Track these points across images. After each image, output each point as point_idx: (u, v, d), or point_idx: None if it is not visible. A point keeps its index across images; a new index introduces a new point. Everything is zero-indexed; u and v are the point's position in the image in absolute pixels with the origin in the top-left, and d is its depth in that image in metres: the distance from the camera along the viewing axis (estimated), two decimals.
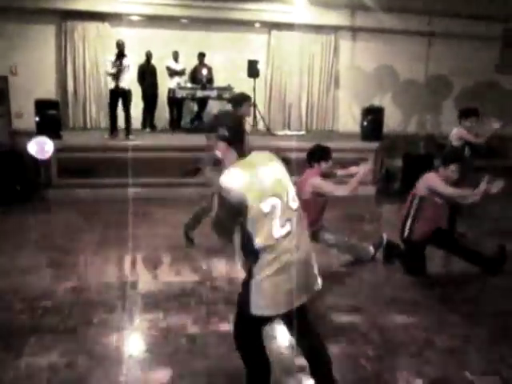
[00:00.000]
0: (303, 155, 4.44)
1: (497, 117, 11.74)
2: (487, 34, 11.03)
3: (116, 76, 7.74)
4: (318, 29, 10.57)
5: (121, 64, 7.73)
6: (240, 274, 3.84)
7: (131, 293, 3.90)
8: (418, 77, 11.38)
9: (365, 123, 8.86)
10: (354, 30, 10.86)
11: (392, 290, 4.08)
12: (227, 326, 3.30)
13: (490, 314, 3.68)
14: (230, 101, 5.38)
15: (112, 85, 7.86)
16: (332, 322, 3.45)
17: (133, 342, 3.18)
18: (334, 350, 2.91)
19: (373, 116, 8.90)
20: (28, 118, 8.23)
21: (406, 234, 4.42)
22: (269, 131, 9.73)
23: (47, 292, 3.84)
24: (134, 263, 4.75)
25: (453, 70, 11.38)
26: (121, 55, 7.76)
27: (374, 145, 8.34)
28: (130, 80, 8.10)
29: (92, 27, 9.74)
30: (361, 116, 9.09)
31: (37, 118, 7.39)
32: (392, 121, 9.76)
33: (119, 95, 7.91)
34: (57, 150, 6.90)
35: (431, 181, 4.32)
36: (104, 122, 9.86)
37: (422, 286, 4.20)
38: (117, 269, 4.47)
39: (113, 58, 7.76)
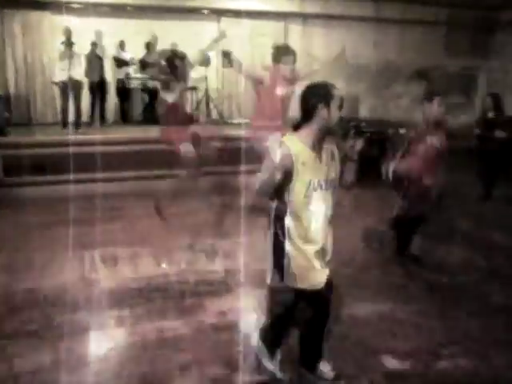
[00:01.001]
0: None
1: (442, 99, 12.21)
2: (433, 18, 11.41)
3: (69, 67, 7.40)
4: (268, 15, 10.53)
5: (72, 54, 7.40)
6: (205, 267, 3.79)
7: (94, 291, 3.77)
8: (368, 62, 11.61)
9: None
10: (304, 17, 10.91)
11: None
12: (195, 319, 3.28)
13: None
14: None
15: (63, 76, 7.46)
16: None
17: (98, 341, 3.08)
18: None
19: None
20: None
21: None
22: (222, 120, 9.65)
23: (4, 296, 3.65)
24: (94, 260, 4.58)
25: (400, 55, 11.69)
26: (69, 43, 7.39)
27: None
28: (82, 71, 7.77)
29: (32, 16, 9.22)
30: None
31: None
32: (345, 105, 9.88)
33: (71, 86, 7.57)
34: (1, 148, 6.57)
35: None
36: (51, 117, 9.43)
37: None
38: (77, 267, 4.29)
39: (62, 47, 7.39)
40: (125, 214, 5.90)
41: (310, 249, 2.30)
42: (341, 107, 2.27)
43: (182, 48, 9.84)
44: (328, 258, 2.41)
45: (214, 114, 9.91)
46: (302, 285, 2.33)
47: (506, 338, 3.11)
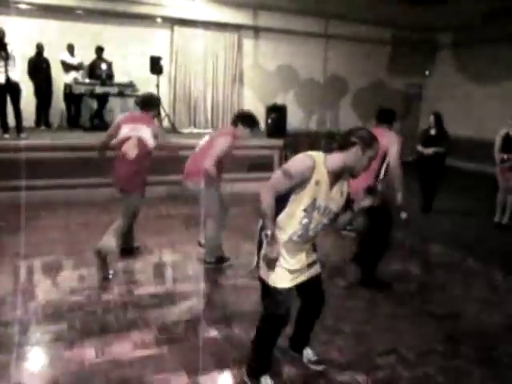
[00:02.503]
0: None
1: None
2: (378, 37, 11.92)
3: (5, 69, 7.04)
4: (222, 27, 10.59)
5: (6, 55, 7.04)
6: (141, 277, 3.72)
7: (30, 304, 3.60)
8: (318, 76, 11.95)
9: (269, 121, 9.09)
10: (257, 30, 11.06)
11: None
12: (138, 333, 3.20)
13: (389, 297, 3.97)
14: None
15: (0, 78, 7.10)
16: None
17: (34, 357, 2.94)
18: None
19: (276, 114, 9.16)
20: None
21: None
22: (174, 129, 9.56)
23: None
24: (30, 272, 4.38)
25: (348, 70, 12.11)
26: (1, 44, 7.03)
27: (279, 142, 8.59)
28: (19, 72, 7.42)
29: None
30: (265, 114, 9.30)
31: None
32: (295, 118, 10.11)
33: (8, 89, 7.23)
34: None
35: None
36: None
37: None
38: (10, 278, 4.08)
39: None
40: (63, 224, 5.70)
41: (297, 252, 2.53)
42: (371, 159, 2.41)
43: (134, 55, 9.74)
44: (313, 258, 2.65)
45: (166, 123, 9.79)
46: (283, 283, 2.51)
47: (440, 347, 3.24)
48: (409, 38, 12.20)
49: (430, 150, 6.85)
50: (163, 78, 9.75)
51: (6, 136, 7.36)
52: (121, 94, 9.28)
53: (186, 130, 9.88)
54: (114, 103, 9.79)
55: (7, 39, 7.18)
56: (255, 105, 10.64)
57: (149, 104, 4.62)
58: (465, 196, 8.48)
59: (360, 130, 2.46)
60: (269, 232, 2.37)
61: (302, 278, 2.58)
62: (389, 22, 11.44)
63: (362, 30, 11.47)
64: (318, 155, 2.40)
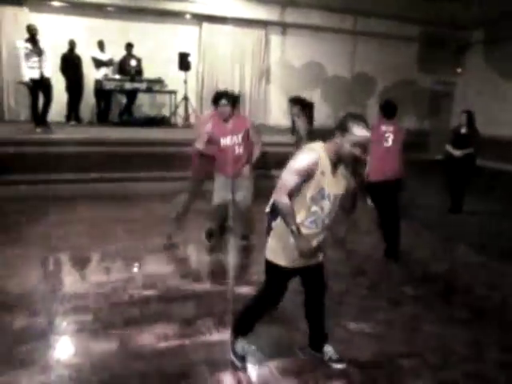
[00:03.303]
0: None
1: (415, 113, 12.58)
2: (407, 34, 11.70)
3: (39, 64, 7.26)
4: (249, 23, 10.60)
5: (40, 51, 7.25)
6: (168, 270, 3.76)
7: (56, 295, 3.70)
8: (345, 74, 11.82)
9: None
10: (284, 26, 11.02)
11: None
12: (161, 326, 3.25)
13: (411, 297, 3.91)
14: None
15: (32, 74, 7.32)
16: None
17: (59, 346, 3.02)
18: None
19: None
20: None
21: None
22: None
23: None
24: (57, 263, 4.51)
25: (376, 68, 11.93)
26: (34, 41, 7.25)
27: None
28: (51, 68, 7.63)
29: (9, 12, 9.07)
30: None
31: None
32: (321, 115, 10.02)
33: (41, 85, 7.44)
34: None
35: None
36: (24, 114, 9.27)
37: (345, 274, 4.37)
38: (39, 270, 4.21)
39: (29, 45, 7.24)
40: (90, 217, 5.82)
41: (309, 238, 2.57)
42: (355, 144, 2.42)
43: (163, 51, 9.85)
44: (319, 247, 2.68)
45: (193, 119, 9.88)
46: (285, 263, 2.61)
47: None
48: (438, 35, 11.93)
49: (459, 153, 6.69)
50: (191, 74, 9.84)
51: (38, 130, 7.59)
52: (149, 90, 9.42)
53: None
54: (142, 99, 9.95)
55: (39, 36, 7.40)
56: (281, 101, 10.62)
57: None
58: (495, 197, 8.25)
59: (344, 116, 2.51)
60: (293, 228, 2.45)
61: (302, 261, 2.63)
62: (418, 19, 11.21)
63: (391, 27, 11.27)
64: (320, 147, 2.51)
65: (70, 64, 8.90)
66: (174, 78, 9.46)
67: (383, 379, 2.81)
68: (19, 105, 9.35)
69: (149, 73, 9.55)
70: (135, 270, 4.34)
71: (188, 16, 10.28)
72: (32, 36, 7.31)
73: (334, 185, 2.52)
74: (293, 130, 6.64)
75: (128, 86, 9.16)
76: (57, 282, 3.99)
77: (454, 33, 12.08)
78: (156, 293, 3.80)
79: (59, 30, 9.12)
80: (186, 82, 9.36)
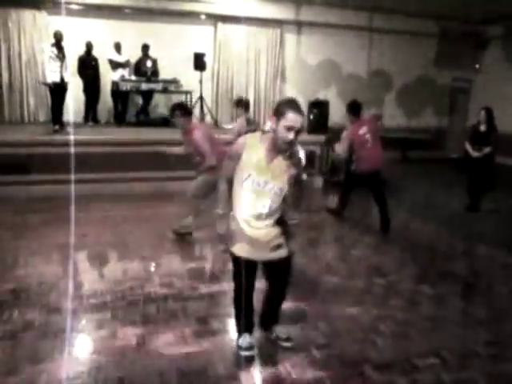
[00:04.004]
0: None
1: (433, 110, 12.46)
2: (424, 30, 11.55)
3: (61, 69, 7.49)
4: (264, 22, 10.59)
5: (63, 56, 7.49)
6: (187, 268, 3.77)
7: (76, 293, 3.76)
8: (361, 71, 11.73)
9: (311, 116, 9.01)
10: (299, 24, 10.99)
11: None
12: (178, 325, 3.27)
13: (430, 297, 3.87)
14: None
15: (54, 77, 7.53)
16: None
17: (78, 343, 3.07)
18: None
19: (318, 109, 9.08)
20: None
21: None
22: (216, 124, 9.66)
23: None
24: (78, 262, 4.57)
25: (393, 65, 11.82)
26: (59, 47, 7.48)
27: (321, 137, 8.51)
28: (69, 71, 7.81)
29: (28, 15, 9.22)
30: (307, 109, 9.23)
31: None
32: (337, 114, 9.97)
33: (61, 87, 7.65)
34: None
35: None
36: (43, 116, 9.42)
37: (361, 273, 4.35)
38: (59, 268, 4.27)
39: (54, 50, 7.46)
40: (109, 216, 5.89)
41: (240, 225, 2.68)
42: (296, 132, 2.44)
43: (178, 51, 9.91)
44: (276, 242, 2.71)
45: (208, 119, 9.92)
46: (236, 251, 2.74)
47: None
48: (456, 31, 11.76)
49: (478, 154, 6.60)
50: (206, 74, 9.87)
51: (56, 128, 7.77)
52: (165, 91, 9.49)
53: (228, 126, 9.96)
54: (158, 99, 10.03)
55: (64, 42, 7.65)
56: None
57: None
58: None
59: (279, 102, 2.59)
60: (219, 211, 2.73)
61: (260, 255, 2.71)
62: (435, 14, 11.06)
63: (408, 23, 11.15)
64: (254, 136, 2.66)
65: (87, 66, 9.03)
66: (189, 78, 9.51)
67: (401, 380, 2.78)
68: (38, 106, 9.51)
69: (165, 73, 9.62)
70: (153, 268, 4.38)
71: (203, 16, 10.32)
72: (57, 41, 7.53)
73: (267, 173, 2.54)
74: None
75: (144, 86, 9.24)
76: (77, 280, 4.04)
77: (473, 28, 11.90)
78: (173, 291, 3.83)
79: (76, 32, 9.24)
80: (201, 82, 9.40)
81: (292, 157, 2.49)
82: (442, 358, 3.00)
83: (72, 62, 8.53)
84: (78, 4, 9.41)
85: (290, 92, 11.18)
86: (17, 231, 5.23)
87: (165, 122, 9.19)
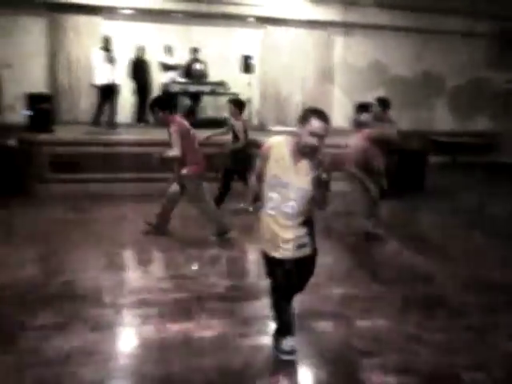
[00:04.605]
0: None
1: (486, 113, 11.91)
2: (477, 31, 11.11)
3: (110, 72, 7.84)
4: (312, 24, 10.55)
5: (112, 60, 7.82)
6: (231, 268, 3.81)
7: (123, 288, 3.90)
8: (410, 74, 11.43)
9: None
10: (347, 26, 10.85)
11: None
12: (221, 324, 3.32)
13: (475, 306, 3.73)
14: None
15: (105, 80, 7.88)
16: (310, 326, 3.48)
17: (125, 338, 3.18)
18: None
19: (365, 112, 8.92)
20: (20, 112, 8.16)
21: None
22: (262, 126, 9.72)
23: (37, 287, 3.83)
24: (125, 258, 4.74)
25: (443, 67, 11.45)
26: (108, 50, 7.85)
27: None
28: (120, 74, 8.16)
29: (84, 20, 9.63)
30: (353, 111, 9.10)
31: (27, 112, 7.33)
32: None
33: (112, 90, 7.97)
34: (48, 145, 6.88)
35: None
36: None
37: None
38: (108, 263, 4.45)
39: (103, 53, 7.84)
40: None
41: (270, 225, 2.78)
42: (313, 134, 2.53)
43: (226, 54, 10.05)
44: (300, 242, 2.76)
45: (255, 121, 10.00)
46: (268, 251, 2.83)
47: None
48: (510, 31, 11.22)
49: None
50: (254, 77, 9.95)
51: (98, 129, 8.11)
52: (213, 93, 9.64)
53: (273, 128, 9.99)
54: (206, 101, 10.21)
55: (112, 45, 7.98)
56: (343, 102, 10.48)
57: None
58: None
59: (305, 109, 2.72)
60: (247, 207, 3.13)
61: (287, 253, 2.75)
62: (488, 14, 10.61)
63: (459, 23, 10.75)
64: (280, 138, 2.75)
65: (139, 68, 9.33)
66: (237, 80, 9.62)
67: None
68: (93, 107, 9.90)
69: (213, 76, 9.79)
70: (196, 267, 4.46)
71: (251, 19, 10.41)
72: (106, 45, 7.88)
73: (292, 174, 2.64)
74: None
75: (192, 88, 9.43)
76: (125, 276, 4.19)
77: None
78: (218, 290, 3.89)
79: (129, 36, 9.57)
80: (248, 84, 9.48)
81: (316, 159, 2.59)
82: (489, 373, 2.89)
83: (124, 65, 8.88)
84: (131, 9, 9.74)
85: (337, 94, 11.07)
86: (70, 227, 5.49)
87: (212, 124, 9.34)
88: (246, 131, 6.19)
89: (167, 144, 4.90)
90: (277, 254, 2.78)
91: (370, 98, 10.28)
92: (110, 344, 3.05)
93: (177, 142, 4.75)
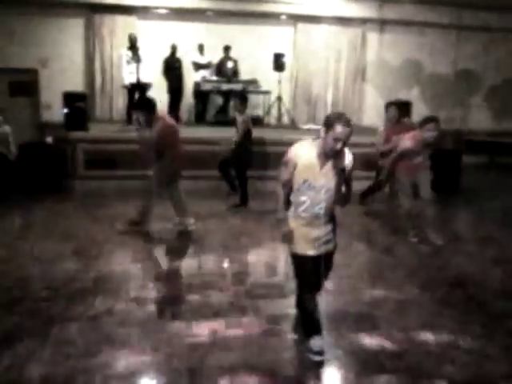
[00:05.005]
0: None
1: None
2: None
3: (137, 70, 7.98)
4: (345, 21, 10.41)
5: (138, 58, 7.96)
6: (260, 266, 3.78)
7: (154, 283, 3.94)
8: (446, 71, 11.14)
9: None
10: (382, 23, 10.67)
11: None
12: (249, 322, 3.31)
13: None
14: None
15: (132, 79, 8.04)
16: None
17: (153, 333, 3.21)
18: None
19: (399, 110, 8.72)
20: (57, 110, 8.39)
21: None
22: (293, 125, 9.66)
23: (71, 281, 3.91)
24: (156, 254, 4.79)
25: (481, 64, 11.09)
26: (134, 49, 7.97)
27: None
28: (148, 73, 8.27)
29: (120, 20, 9.83)
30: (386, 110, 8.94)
31: (65, 110, 7.52)
32: (419, 115, 9.54)
33: (137, 88, 8.14)
34: (83, 142, 7.04)
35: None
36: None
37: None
38: (140, 259, 4.51)
39: (129, 53, 8.01)
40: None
41: (301, 226, 2.87)
42: (337, 140, 2.64)
43: (258, 52, 10.05)
44: (328, 237, 2.93)
45: (285, 119, 9.96)
46: (299, 250, 2.90)
47: None
48: None
49: None
50: (285, 75, 9.91)
51: (131, 127, 8.26)
52: (244, 91, 9.63)
53: (305, 126, 9.92)
54: None
55: (139, 44, 8.13)
56: (376, 101, 10.31)
57: None
58: None
59: (329, 114, 2.82)
60: (279, 216, 2.94)
61: (319, 249, 2.89)
62: None
63: (498, 19, 10.39)
64: (307, 142, 2.83)
65: (172, 67, 9.42)
66: (268, 78, 9.60)
67: None
68: (125, 106, 10.08)
69: (244, 74, 9.79)
70: (226, 264, 4.48)
71: (283, 17, 10.36)
72: (132, 44, 8.03)
73: (321, 177, 2.76)
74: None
75: (224, 87, 9.47)
76: (155, 272, 4.24)
77: None
78: (247, 288, 3.88)
79: (162, 35, 9.69)
80: (280, 82, 9.44)
81: (341, 161, 2.73)
82: None
83: (158, 65, 9.01)
84: (166, 8, 9.86)
85: (370, 92, 10.91)
86: (102, 223, 5.60)
87: None
88: (247, 127, 6.16)
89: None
90: (310, 252, 2.87)
91: (403, 96, 10.13)
92: (139, 338, 3.08)
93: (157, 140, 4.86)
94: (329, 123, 2.69)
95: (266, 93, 9.72)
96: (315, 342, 2.89)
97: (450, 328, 3.32)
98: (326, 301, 3.70)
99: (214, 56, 9.78)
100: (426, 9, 10.16)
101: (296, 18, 10.38)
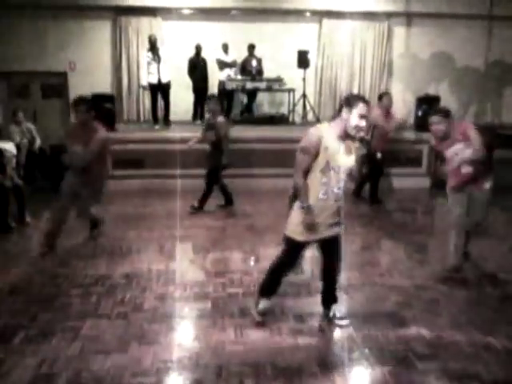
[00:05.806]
0: None
1: None
2: None
3: (157, 70, 8.09)
4: (371, 16, 10.25)
5: (159, 59, 8.06)
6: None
7: (181, 281, 3.98)
8: (477, 64, 10.81)
9: (419, 113, 8.55)
10: (409, 16, 10.45)
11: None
12: (275, 320, 3.31)
13: None
14: None
15: (153, 79, 8.16)
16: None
17: (181, 329, 3.25)
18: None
19: (428, 105, 8.56)
20: None
21: None
22: (318, 122, 9.58)
23: (101, 278, 4.00)
24: (184, 253, 4.84)
25: None
26: (154, 50, 8.06)
27: (429, 135, 8.01)
28: (169, 73, 8.35)
29: (145, 22, 9.94)
30: (415, 105, 8.78)
31: (93, 112, 7.65)
32: (451, 110, 9.32)
33: (159, 88, 8.31)
34: (112, 142, 7.15)
35: None
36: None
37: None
38: (168, 258, 4.56)
39: (150, 54, 8.13)
40: (217, 211, 6.14)
41: (323, 208, 2.94)
42: (362, 117, 2.79)
43: (282, 49, 10.02)
44: (336, 220, 3.02)
45: (311, 116, 9.89)
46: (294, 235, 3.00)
47: None
48: None
49: None
50: (309, 72, 9.82)
51: (156, 127, 8.39)
52: (269, 89, 9.63)
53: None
54: (262, 97, 10.23)
55: (160, 44, 8.27)
56: (404, 96, 10.12)
57: None
58: None
59: (347, 95, 3.03)
60: (305, 205, 2.86)
61: (328, 232, 3.00)
62: None
63: None
64: (323, 126, 2.92)
65: (196, 67, 9.47)
66: (292, 75, 9.54)
67: None
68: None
69: (269, 72, 9.76)
70: (252, 263, 4.49)
71: (308, 13, 10.28)
72: (152, 45, 8.14)
73: (341, 158, 2.86)
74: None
75: (249, 85, 9.45)
76: (182, 269, 4.28)
77: None
78: None
79: (187, 35, 9.76)
80: (304, 79, 9.38)
81: (360, 139, 2.93)
82: None
83: (183, 64, 9.09)
84: (189, 8, 9.93)
85: (397, 87, 10.69)
86: (131, 221, 5.69)
87: (268, 120, 9.35)
88: (221, 129, 5.84)
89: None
90: (305, 238, 2.97)
91: (432, 90, 9.91)
92: (167, 335, 3.12)
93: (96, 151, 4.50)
94: (351, 102, 2.81)
95: (291, 90, 9.66)
96: (264, 303, 3.23)
97: (481, 328, 3.23)
98: (355, 299, 3.68)
99: (238, 55, 9.78)
100: (454, 0, 9.90)
101: (320, 14, 10.27)
